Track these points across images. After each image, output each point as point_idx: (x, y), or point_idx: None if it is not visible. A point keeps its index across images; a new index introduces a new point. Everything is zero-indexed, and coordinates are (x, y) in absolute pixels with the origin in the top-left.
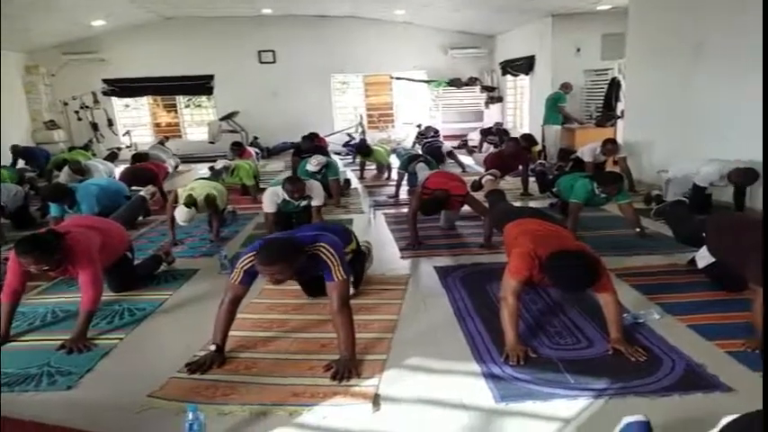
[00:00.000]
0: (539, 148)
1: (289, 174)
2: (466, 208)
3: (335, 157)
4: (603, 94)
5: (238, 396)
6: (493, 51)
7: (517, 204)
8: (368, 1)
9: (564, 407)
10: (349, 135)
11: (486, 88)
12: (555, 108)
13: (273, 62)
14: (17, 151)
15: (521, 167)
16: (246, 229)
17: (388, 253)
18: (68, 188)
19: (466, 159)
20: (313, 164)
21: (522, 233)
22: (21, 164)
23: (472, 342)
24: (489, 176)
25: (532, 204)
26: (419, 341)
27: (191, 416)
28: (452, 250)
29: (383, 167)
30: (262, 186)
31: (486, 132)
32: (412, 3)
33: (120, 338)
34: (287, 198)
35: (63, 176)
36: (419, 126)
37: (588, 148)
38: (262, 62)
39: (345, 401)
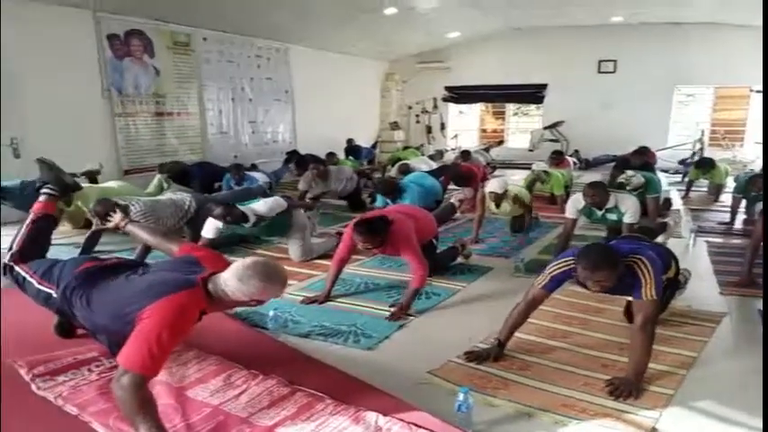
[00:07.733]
0: None
1: None
2: None
3: (661, 174)
4: None
5: (508, 392)
6: None
7: None
8: (737, 4)
9: None
10: (694, 152)
11: None
12: None
13: (613, 72)
14: (350, 147)
15: None
16: (547, 237)
17: (702, 285)
18: (397, 184)
19: None
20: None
21: None
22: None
23: None
24: None
25: None
26: (718, 385)
27: (461, 397)
28: None
29: (716, 188)
30: None
31: None
32: None
33: (415, 316)
34: (586, 206)
35: (393, 172)
36: None
37: None
38: (600, 72)
39: (617, 425)
